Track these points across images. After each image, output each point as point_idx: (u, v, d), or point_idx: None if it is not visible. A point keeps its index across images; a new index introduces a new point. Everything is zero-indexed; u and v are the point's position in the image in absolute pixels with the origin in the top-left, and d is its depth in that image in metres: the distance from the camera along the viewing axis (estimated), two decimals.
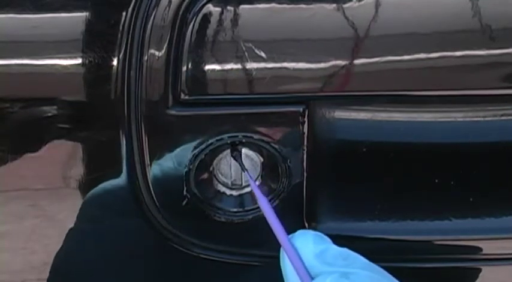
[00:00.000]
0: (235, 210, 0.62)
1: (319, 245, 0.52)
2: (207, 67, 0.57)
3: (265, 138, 0.59)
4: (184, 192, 0.60)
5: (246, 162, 0.60)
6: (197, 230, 0.62)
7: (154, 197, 0.60)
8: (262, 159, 0.61)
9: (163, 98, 0.58)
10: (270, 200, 0.60)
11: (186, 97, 0.58)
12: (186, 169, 0.59)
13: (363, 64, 0.57)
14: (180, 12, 0.56)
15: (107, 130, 0.59)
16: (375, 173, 0.61)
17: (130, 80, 0.57)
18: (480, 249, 0.63)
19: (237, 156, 0.59)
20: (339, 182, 0.61)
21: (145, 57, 0.57)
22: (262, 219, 0.60)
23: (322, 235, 0.53)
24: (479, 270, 0.64)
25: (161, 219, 0.61)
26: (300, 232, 0.53)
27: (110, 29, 0.57)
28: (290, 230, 0.54)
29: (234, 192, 0.62)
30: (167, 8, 0.56)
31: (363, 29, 0.57)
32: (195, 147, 0.59)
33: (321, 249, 0.51)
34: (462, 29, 0.58)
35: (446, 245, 0.63)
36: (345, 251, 0.52)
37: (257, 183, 0.61)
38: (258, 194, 0.56)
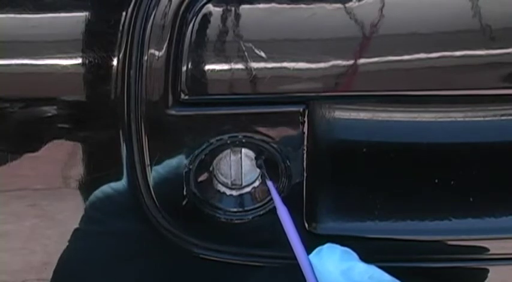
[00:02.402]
0: (235, 210, 0.62)
1: (345, 261, 0.51)
2: (207, 67, 0.57)
3: (265, 138, 0.59)
4: (184, 192, 0.60)
5: (246, 163, 0.60)
6: (197, 230, 0.62)
7: (154, 196, 0.60)
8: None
9: (163, 98, 0.58)
10: (269, 200, 0.60)
11: (186, 97, 0.58)
12: (186, 169, 0.59)
13: (362, 64, 0.57)
14: (180, 12, 0.56)
15: (107, 130, 0.59)
16: (374, 173, 0.61)
17: (130, 80, 0.57)
18: (481, 249, 0.63)
19: (261, 166, 0.59)
20: (339, 182, 0.61)
21: (145, 57, 0.57)
22: (262, 219, 0.60)
23: (350, 251, 0.53)
24: (481, 270, 0.64)
25: (161, 219, 0.61)
26: (327, 246, 0.53)
27: (110, 29, 0.57)
28: None
29: (234, 192, 0.62)
30: (167, 8, 0.56)
31: (362, 29, 0.57)
32: (195, 147, 0.59)
33: (347, 267, 0.51)
34: (462, 29, 0.58)
35: (447, 244, 0.63)
36: (371, 268, 0.51)
37: (257, 183, 0.61)
38: (284, 214, 0.55)
